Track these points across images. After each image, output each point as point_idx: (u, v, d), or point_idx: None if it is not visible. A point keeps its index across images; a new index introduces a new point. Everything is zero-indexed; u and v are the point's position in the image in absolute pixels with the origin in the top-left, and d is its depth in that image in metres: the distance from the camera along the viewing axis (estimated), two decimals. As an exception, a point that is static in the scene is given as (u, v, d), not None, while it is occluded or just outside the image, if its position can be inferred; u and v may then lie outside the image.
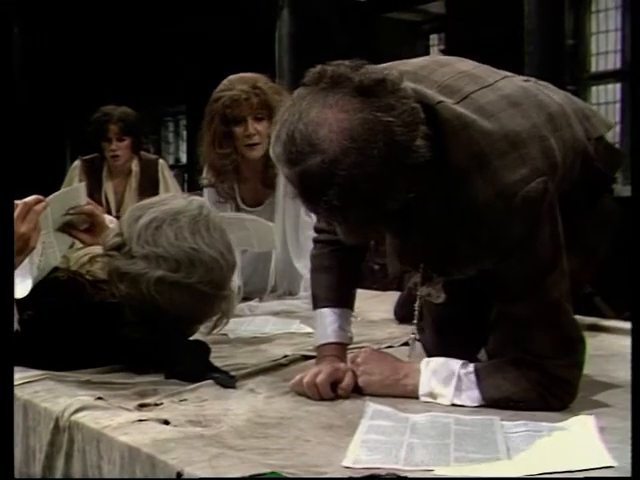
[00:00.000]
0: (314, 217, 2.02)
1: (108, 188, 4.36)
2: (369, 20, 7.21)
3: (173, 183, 4.50)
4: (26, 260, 1.75)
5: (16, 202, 1.69)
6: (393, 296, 2.72)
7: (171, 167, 6.24)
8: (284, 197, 2.78)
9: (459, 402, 1.58)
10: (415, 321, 1.97)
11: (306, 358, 1.95)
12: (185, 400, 1.62)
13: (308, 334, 2.21)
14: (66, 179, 4.44)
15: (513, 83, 1.70)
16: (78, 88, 8.85)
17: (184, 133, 10.19)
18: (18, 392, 1.63)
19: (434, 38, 7.74)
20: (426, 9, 7.37)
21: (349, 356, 1.77)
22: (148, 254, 1.71)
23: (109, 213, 3.29)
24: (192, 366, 1.78)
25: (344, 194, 1.39)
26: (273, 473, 1.17)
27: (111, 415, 1.47)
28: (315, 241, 1.92)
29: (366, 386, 1.67)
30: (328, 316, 1.81)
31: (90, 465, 1.43)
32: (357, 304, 1.94)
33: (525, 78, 1.79)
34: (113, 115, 4.26)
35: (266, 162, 2.70)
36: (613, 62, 5.79)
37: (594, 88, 5.87)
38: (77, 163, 4.44)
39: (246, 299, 2.80)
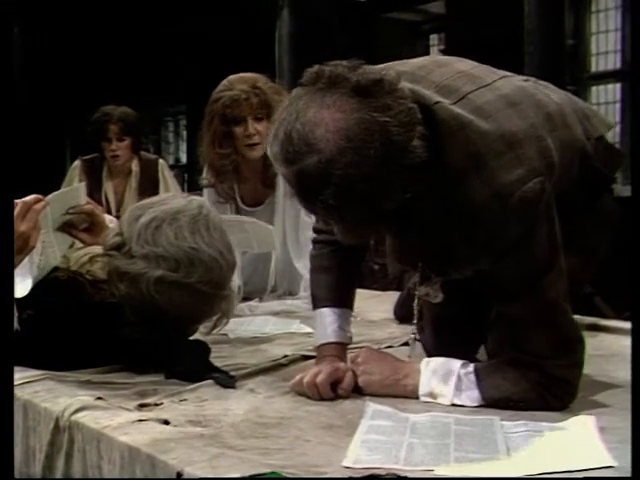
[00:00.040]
0: (314, 217, 2.02)
1: (108, 188, 4.36)
2: (369, 20, 7.21)
3: (173, 183, 4.50)
4: (26, 259, 1.75)
5: (16, 201, 1.69)
6: (393, 296, 2.72)
7: (171, 167, 6.24)
8: (284, 197, 2.78)
9: (459, 402, 1.58)
10: (415, 321, 1.98)
11: (306, 358, 1.95)
12: (185, 400, 1.62)
13: (308, 334, 2.21)
14: (66, 179, 4.44)
15: (511, 83, 1.69)
16: (78, 88, 8.85)
17: (184, 133, 10.19)
18: (18, 392, 1.62)
19: (434, 38, 7.75)
20: (426, 9, 7.37)
21: (349, 356, 1.77)
22: (148, 254, 1.71)
23: (109, 213, 3.29)
24: (192, 366, 1.78)
25: (340, 194, 1.39)
26: (273, 473, 1.17)
27: (111, 415, 1.47)
28: (314, 241, 1.92)
29: (366, 386, 1.67)
30: (328, 316, 1.81)
31: (90, 465, 1.43)
32: (357, 304, 1.94)
33: (525, 78, 1.79)
34: (113, 115, 4.26)
35: (266, 162, 2.70)
36: (613, 62, 5.79)
37: (594, 88, 5.87)
38: (77, 163, 4.44)
39: (246, 299, 2.80)
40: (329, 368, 1.67)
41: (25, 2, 7.65)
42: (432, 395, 1.61)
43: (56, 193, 1.88)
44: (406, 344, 2.09)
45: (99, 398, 1.58)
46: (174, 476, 1.22)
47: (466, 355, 1.69)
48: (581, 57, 5.80)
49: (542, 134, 1.58)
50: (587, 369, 1.71)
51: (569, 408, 1.54)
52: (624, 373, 1.52)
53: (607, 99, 5.84)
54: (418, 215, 1.56)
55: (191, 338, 1.86)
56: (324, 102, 1.40)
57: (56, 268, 1.89)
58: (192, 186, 7.81)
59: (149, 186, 4.23)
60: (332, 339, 1.79)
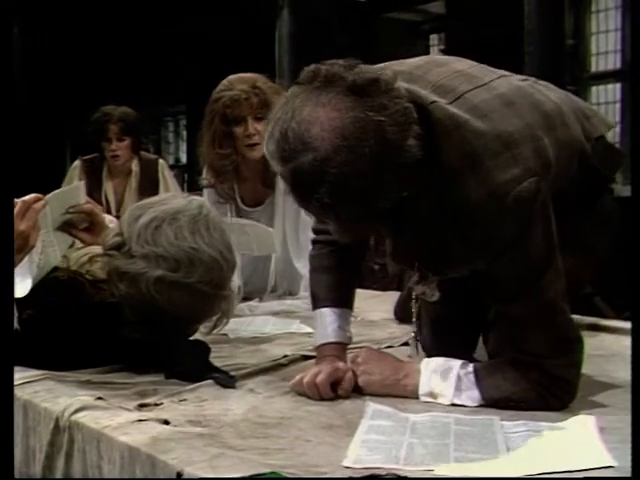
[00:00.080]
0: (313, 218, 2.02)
1: (108, 188, 4.36)
2: (369, 20, 7.21)
3: (173, 183, 4.50)
4: (26, 259, 1.75)
5: (15, 200, 1.69)
6: (393, 296, 2.72)
7: (171, 167, 6.24)
8: (284, 197, 2.77)
9: (459, 402, 1.58)
10: (414, 319, 1.98)
11: (306, 358, 1.95)
12: (185, 400, 1.62)
13: (308, 334, 2.21)
14: (66, 179, 4.44)
15: (509, 82, 1.70)
16: (78, 88, 8.85)
17: (184, 133, 10.19)
18: (18, 392, 1.62)
19: (434, 38, 7.75)
20: (426, 9, 7.37)
21: (349, 356, 1.77)
22: (148, 254, 1.71)
23: (109, 213, 3.29)
24: (192, 366, 1.78)
25: (335, 192, 1.39)
26: (273, 473, 1.17)
27: (111, 415, 1.47)
28: (314, 242, 1.92)
29: (366, 386, 1.67)
30: (328, 316, 1.81)
31: (90, 465, 1.42)
32: (357, 304, 1.94)
33: (523, 77, 1.79)
34: (113, 115, 4.26)
35: (266, 162, 2.67)
36: (613, 62, 5.79)
37: (594, 88, 5.87)
38: (77, 163, 4.44)
39: (246, 299, 2.80)
40: (329, 368, 1.67)
41: (25, 2, 7.65)
42: (432, 395, 1.61)
43: (56, 192, 1.88)
44: (406, 344, 2.09)
45: (99, 398, 1.58)
46: (174, 476, 1.22)
47: (464, 354, 1.70)
48: (581, 57, 5.80)
49: (538, 134, 1.58)
50: (587, 369, 1.71)
51: (569, 408, 1.54)
52: (624, 373, 1.52)
53: (607, 99, 5.84)
54: (414, 214, 1.56)
55: (191, 338, 1.86)
56: (320, 101, 1.41)
57: (56, 268, 1.89)
58: (192, 186, 7.81)
59: (149, 186, 4.23)
60: (332, 339, 1.79)
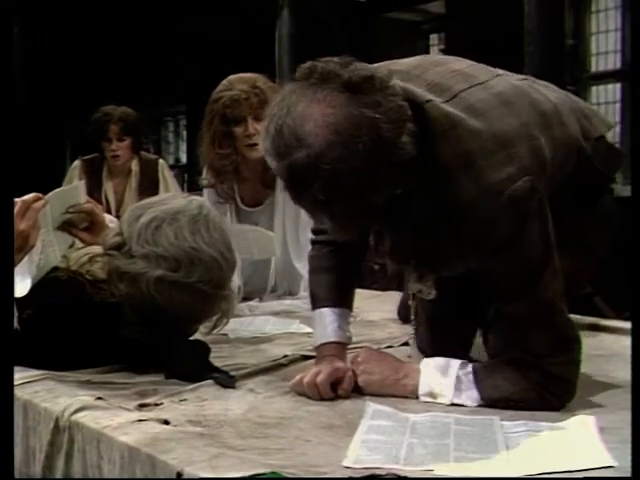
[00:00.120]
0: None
1: (108, 188, 4.36)
2: (369, 20, 7.21)
3: (173, 183, 4.49)
4: (26, 259, 1.74)
5: (15, 200, 1.69)
6: (393, 296, 2.72)
7: (171, 167, 6.23)
8: (284, 197, 2.77)
9: (459, 402, 1.58)
10: (412, 317, 1.99)
11: (306, 358, 1.95)
12: (185, 400, 1.62)
13: (308, 334, 2.21)
14: (66, 179, 4.43)
15: (506, 81, 1.70)
16: (78, 88, 8.84)
17: (184, 133, 10.19)
18: (18, 392, 1.62)
19: (434, 38, 7.75)
20: (426, 9, 7.37)
21: (349, 356, 1.77)
22: (148, 253, 1.71)
23: (109, 213, 3.29)
24: (192, 366, 1.78)
25: (329, 187, 1.40)
26: (273, 473, 1.17)
27: (111, 415, 1.47)
28: (313, 242, 1.92)
29: (366, 386, 1.67)
30: (327, 316, 1.81)
31: (90, 465, 1.42)
32: (357, 304, 1.94)
33: (522, 77, 1.79)
34: (113, 115, 4.26)
35: (266, 162, 2.69)
36: (613, 62, 5.79)
37: (594, 88, 5.87)
38: (77, 163, 4.44)
39: (246, 299, 2.80)
40: (329, 368, 1.67)
41: (25, 2, 7.65)
42: (432, 395, 1.61)
43: (56, 191, 1.88)
44: (406, 344, 2.09)
45: (99, 398, 1.57)
46: (174, 476, 1.22)
47: (460, 352, 1.70)
48: (581, 57, 5.80)
49: (534, 133, 1.58)
50: (587, 369, 1.72)
51: (569, 408, 1.54)
52: (624, 373, 1.52)
53: (607, 99, 5.84)
54: (409, 213, 1.57)
55: (191, 338, 1.86)
56: (315, 97, 1.42)
57: (56, 268, 1.89)
58: (192, 186, 7.81)
59: (149, 186, 4.22)
60: (332, 339, 1.79)
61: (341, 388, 1.66)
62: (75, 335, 1.79)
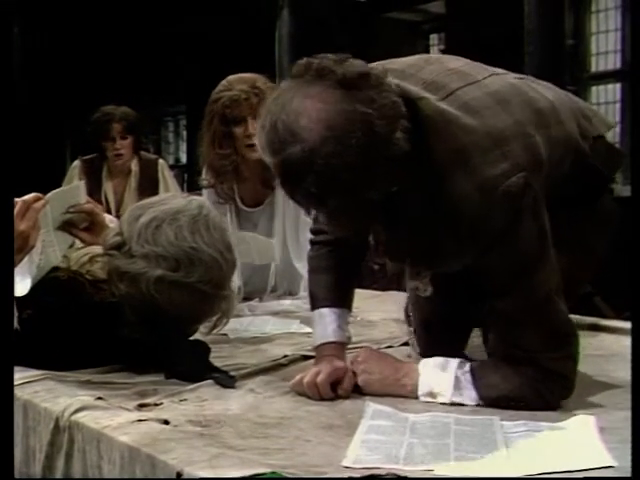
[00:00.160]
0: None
1: (108, 188, 4.35)
2: (369, 20, 7.20)
3: (173, 183, 4.49)
4: (26, 258, 1.74)
5: (15, 200, 1.69)
6: (393, 296, 2.72)
7: (171, 167, 6.23)
8: (284, 197, 2.77)
9: (459, 401, 1.58)
10: (410, 314, 2.00)
11: (306, 358, 1.95)
12: (185, 400, 1.62)
13: (308, 334, 2.21)
14: (66, 179, 4.43)
15: (502, 80, 1.70)
16: (78, 88, 8.84)
17: (184, 133, 10.19)
18: (18, 392, 1.62)
19: (434, 38, 7.75)
20: (426, 9, 7.36)
21: (349, 356, 1.77)
22: (148, 253, 1.71)
23: (109, 213, 3.29)
24: (192, 366, 1.78)
25: (323, 182, 1.41)
26: (273, 473, 1.17)
27: (111, 415, 1.47)
28: (312, 242, 1.93)
29: (366, 385, 1.67)
30: (327, 316, 1.81)
31: (90, 465, 1.42)
32: (357, 304, 1.94)
33: (520, 76, 1.79)
34: (115, 114, 4.26)
35: (265, 162, 2.69)
36: (613, 62, 5.79)
37: (594, 88, 5.87)
38: (77, 163, 4.43)
39: (246, 299, 2.80)
40: (329, 368, 1.67)
41: (25, 2, 7.65)
42: (431, 395, 1.61)
43: (56, 191, 1.88)
44: (406, 344, 2.09)
45: (99, 398, 1.57)
46: (174, 476, 1.22)
47: (455, 350, 1.72)
48: (581, 57, 5.80)
49: (530, 131, 1.59)
50: (587, 369, 1.72)
51: (569, 408, 1.54)
52: (624, 373, 1.52)
53: (607, 99, 5.84)
54: (405, 210, 1.58)
55: (191, 338, 1.86)
56: (309, 93, 1.43)
57: (56, 268, 1.89)
58: (192, 186, 7.81)
59: (149, 186, 4.22)
60: (331, 339, 1.79)
61: (341, 388, 1.66)
62: (75, 335, 1.79)
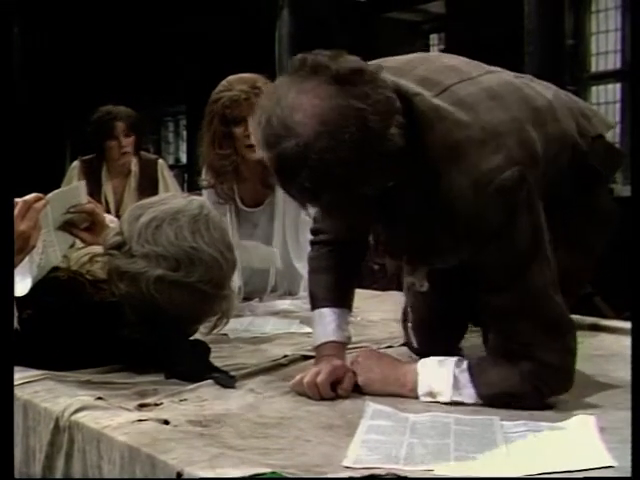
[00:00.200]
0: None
1: (107, 188, 4.35)
2: (369, 20, 7.20)
3: (173, 183, 4.49)
4: (26, 259, 1.74)
5: (16, 200, 1.69)
6: (393, 296, 2.72)
7: (171, 167, 6.23)
8: (284, 198, 2.78)
9: (459, 399, 1.58)
10: (408, 308, 2.01)
11: (306, 358, 1.95)
12: (185, 400, 1.62)
13: (308, 334, 2.21)
14: (65, 179, 4.42)
15: (498, 77, 1.71)
16: (78, 88, 8.84)
17: (184, 133, 10.19)
18: (18, 392, 1.62)
19: (434, 38, 7.75)
20: (426, 9, 7.37)
21: (349, 357, 1.77)
22: (148, 253, 1.71)
23: (108, 213, 3.29)
24: (192, 366, 1.78)
25: (317, 177, 1.42)
26: (273, 473, 1.17)
27: (111, 415, 1.47)
28: (312, 243, 1.93)
29: (366, 385, 1.67)
30: (327, 316, 1.81)
31: (90, 465, 1.42)
32: (357, 304, 1.94)
33: (517, 74, 1.80)
34: (119, 113, 4.26)
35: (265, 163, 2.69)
36: (613, 62, 5.78)
37: (594, 88, 5.87)
38: (76, 163, 4.43)
39: (246, 299, 2.80)
40: (329, 367, 1.67)
41: (25, 2, 7.65)
42: (431, 394, 1.61)
43: (56, 192, 1.88)
44: (406, 344, 2.09)
45: (99, 398, 1.57)
46: (174, 476, 1.22)
47: (452, 345, 1.76)
48: (581, 57, 5.80)
49: (525, 126, 1.59)
50: (587, 369, 1.72)
51: (569, 408, 1.54)
52: (624, 373, 1.52)
53: (607, 99, 5.83)
54: (401, 206, 1.58)
55: (191, 338, 1.86)
56: (304, 88, 1.44)
57: (56, 268, 1.89)
58: (192, 186, 7.81)
59: (148, 186, 4.22)
60: (331, 338, 1.79)
61: (341, 388, 1.66)
62: (75, 335, 1.79)
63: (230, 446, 1.34)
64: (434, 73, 1.64)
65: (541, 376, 1.54)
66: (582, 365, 1.62)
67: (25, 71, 7.97)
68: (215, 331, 1.86)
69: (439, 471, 1.24)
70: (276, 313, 2.68)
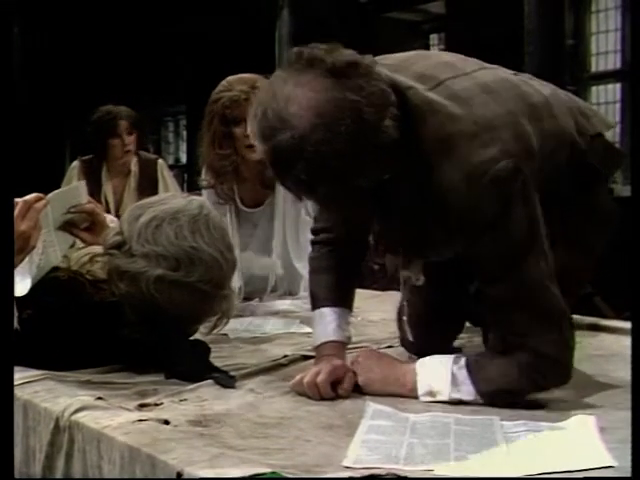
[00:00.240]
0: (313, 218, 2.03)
1: (107, 188, 4.35)
2: (369, 20, 7.20)
3: (172, 183, 4.49)
4: (26, 259, 1.74)
5: (16, 200, 1.69)
6: (393, 296, 2.71)
7: (171, 167, 6.23)
8: (284, 198, 2.78)
9: (459, 396, 1.58)
10: (404, 302, 2.01)
11: (306, 358, 1.95)
12: (185, 400, 1.62)
13: (308, 334, 2.21)
14: (65, 179, 4.43)
15: (494, 73, 1.72)
16: (78, 88, 8.84)
17: (184, 133, 10.17)
18: (18, 392, 1.62)
19: (434, 38, 7.74)
20: (426, 9, 7.36)
21: (349, 357, 1.77)
22: (148, 253, 1.71)
23: (108, 213, 3.29)
24: (192, 366, 1.78)
25: (312, 169, 1.43)
26: (273, 473, 1.17)
27: (111, 415, 1.47)
28: (313, 243, 1.93)
29: (366, 385, 1.67)
30: (327, 315, 1.81)
31: (90, 465, 1.42)
32: (357, 304, 1.94)
33: (514, 72, 1.80)
34: (121, 111, 4.26)
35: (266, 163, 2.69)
36: (613, 62, 5.78)
37: (594, 88, 5.86)
38: (76, 163, 4.43)
39: (246, 299, 2.80)
40: (329, 367, 1.67)
41: (25, 2, 7.65)
42: (431, 394, 1.61)
43: (57, 192, 1.88)
44: (402, 341, 2.10)
45: (99, 398, 1.57)
46: (174, 476, 1.22)
47: (449, 341, 1.78)
48: (581, 57, 5.79)
49: (520, 120, 1.60)
50: (587, 369, 1.72)
51: (569, 408, 1.54)
52: (624, 373, 1.52)
53: (607, 99, 5.83)
54: (397, 199, 1.59)
55: (191, 338, 1.86)
56: (299, 81, 1.45)
57: (56, 268, 1.89)
58: (192, 186, 7.80)
59: (148, 186, 4.22)
60: (331, 337, 1.79)
61: (341, 388, 1.66)
62: (75, 335, 1.79)
63: (230, 446, 1.34)
64: (429, 69, 1.66)
65: (538, 368, 1.54)
66: (582, 365, 1.62)
67: (25, 71, 7.97)
68: (215, 331, 1.86)
69: (439, 471, 1.23)
70: (276, 313, 2.68)
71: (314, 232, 1.93)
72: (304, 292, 2.76)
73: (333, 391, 1.65)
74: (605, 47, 5.81)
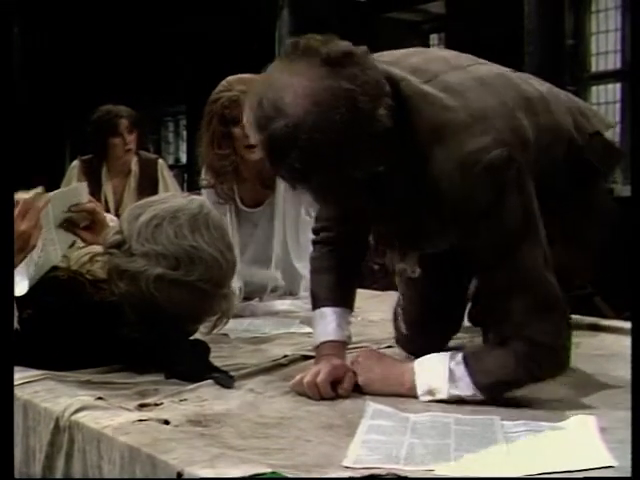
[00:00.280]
0: (313, 217, 2.03)
1: (107, 188, 4.35)
2: (369, 20, 7.20)
3: (172, 183, 4.49)
4: (27, 258, 1.74)
5: (16, 199, 1.69)
6: (393, 296, 2.71)
7: (171, 167, 6.22)
8: (284, 198, 2.78)
9: (458, 392, 1.57)
10: (400, 295, 2.01)
11: (306, 358, 1.95)
12: (185, 400, 1.62)
13: (308, 334, 2.21)
14: (65, 179, 4.43)
15: (489, 68, 1.73)
16: (78, 88, 8.84)
17: (184, 133, 10.18)
18: (18, 392, 1.62)
19: (434, 38, 7.74)
20: (426, 9, 7.36)
21: (349, 357, 1.77)
22: (148, 252, 1.71)
23: (108, 212, 3.29)
24: (192, 366, 1.78)
25: (306, 158, 1.44)
26: (273, 473, 1.17)
27: (111, 415, 1.46)
28: (314, 242, 1.93)
29: (366, 385, 1.67)
30: (328, 315, 1.81)
31: (90, 465, 1.42)
32: (357, 304, 1.94)
33: (512, 70, 1.80)
34: (121, 110, 4.27)
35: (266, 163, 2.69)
36: (613, 62, 5.78)
37: (594, 88, 5.86)
38: (76, 163, 4.43)
39: (246, 299, 2.80)
40: (329, 367, 1.67)
41: (25, 2, 7.65)
42: (431, 393, 1.61)
43: (58, 191, 1.88)
44: (396, 337, 2.10)
45: (99, 398, 1.57)
46: (174, 476, 1.22)
47: (446, 338, 1.80)
48: (581, 57, 5.79)
49: (515, 113, 1.61)
50: (587, 369, 1.72)
51: (569, 408, 1.54)
52: (624, 373, 1.52)
53: (607, 99, 5.83)
54: (391, 191, 1.59)
55: (191, 338, 1.86)
56: (294, 71, 1.46)
57: (56, 267, 1.89)
58: (192, 186, 7.80)
59: (148, 186, 4.22)
60: (331, 337, 1.79)
61: (341, 387, 1.66)
62: (75, 335, 1.79)
63: (230, 446, 1.34)
64: (424, 63, 1.67)
65: (534, 357, 1.54)
66: (582, 365, 1.62)
67: (25, 71, 7.97)
68: (215, 331, 1.86)
69: (439, 471, 1.23)
70: (276, 313, 2.68)
71: (315, 231, 1.93)
72: (304, 292, 2.76)
73: (333, 391, 1.65)
74: (605, 47, 5.82)
